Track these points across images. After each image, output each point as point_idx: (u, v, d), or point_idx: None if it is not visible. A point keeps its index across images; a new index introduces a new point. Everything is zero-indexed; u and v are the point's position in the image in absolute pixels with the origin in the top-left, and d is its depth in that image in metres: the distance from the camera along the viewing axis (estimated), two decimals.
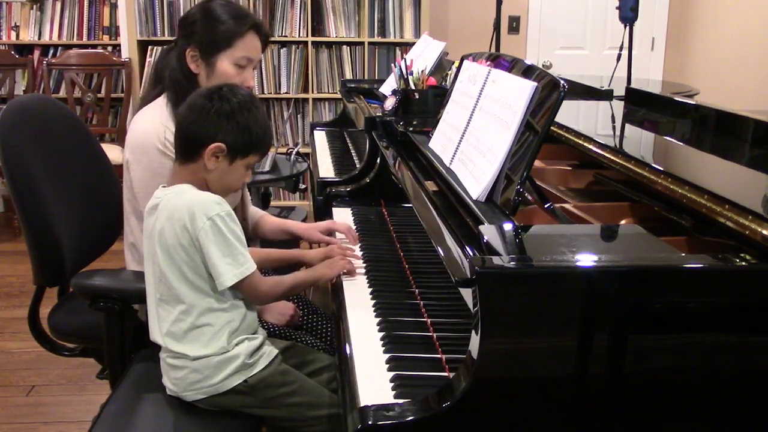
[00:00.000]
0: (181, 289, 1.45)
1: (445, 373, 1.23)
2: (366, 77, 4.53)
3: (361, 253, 1.80)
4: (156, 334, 1.51)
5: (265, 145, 1.55)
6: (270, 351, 1.54)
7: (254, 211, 2.10)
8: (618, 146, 1.60)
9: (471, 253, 1.13)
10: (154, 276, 1.50)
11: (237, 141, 1.48)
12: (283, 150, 3.37)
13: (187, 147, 1.50)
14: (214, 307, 1.46)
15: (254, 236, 2.08)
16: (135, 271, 1.85)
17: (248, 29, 1.81)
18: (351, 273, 1.63)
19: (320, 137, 3.26)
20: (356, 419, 1.04)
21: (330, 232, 1.90)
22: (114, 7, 4.52)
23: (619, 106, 2.28)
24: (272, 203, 3.97)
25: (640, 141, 1.79)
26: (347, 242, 1.83)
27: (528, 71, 1.42)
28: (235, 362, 1.47)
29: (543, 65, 4.69)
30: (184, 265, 1.45)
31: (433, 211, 1.43)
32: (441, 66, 2.62)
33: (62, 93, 4.43)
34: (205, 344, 1.46)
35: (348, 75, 4.55)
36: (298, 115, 4.65)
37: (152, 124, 1.76)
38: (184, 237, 1.43)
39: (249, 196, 2.12)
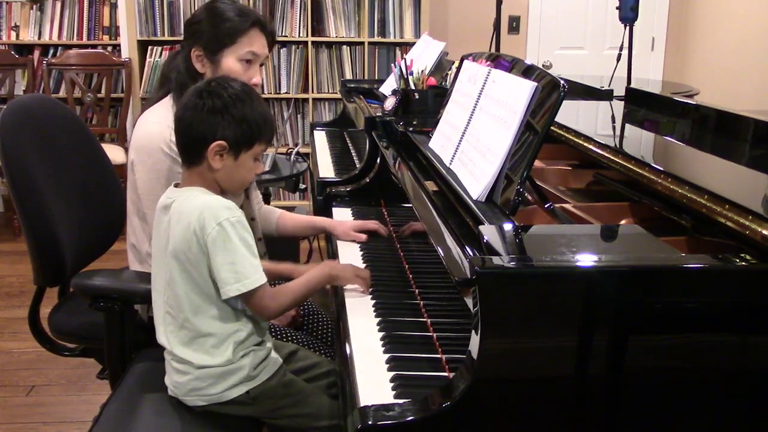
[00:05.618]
0: (188, 296, 1.43)
1: (445, 373, 1.23)
2: (366, 77, 4.52)
3: (361, 253, 1.80)
4: (162, 337, 1.49)
5: (268, 131, 1.49)
6: (275, 361, 1.52)
7: (270, 209, 2.09)
8: (618, 146, 1.60)
9: (471, 253, 1.13)
10: (163, 279, 1.47)
11: (237, 134, 1.43)
12: (283, 150, 3.37)
13: (189, 150, 1.46)
14: (219, 315, 1.43)
15: (276, 235, 2.07)
16: (136, 271, 1.85)
17: (251, 26, 1.80)
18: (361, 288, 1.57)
19: (320, 137, 3.26)
20: (356, 419, 1.04)
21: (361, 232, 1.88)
22: (114, 7, 4.52)
23: (619, 106, 2.28)
24: (272, 203, 3.95)
25: (640, 141, 1.79)
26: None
27: (528, 71, 1.42)
28: (240, 374, 1.45)
29: (543, 65, 4.69)
30: (192, 271, 1.41)
31: (433, 211, 1.43)
32: (441, 66, 2.62)
33: (62, 93, 4.43)
34: (210, 353, 1.43)
35: (348, 75, 4.55)
36: (298, 115, 4.64)
37: (157, 125, 1.75)
38: (193, 242, 1.40)
39: (259, 194, 2.10)
